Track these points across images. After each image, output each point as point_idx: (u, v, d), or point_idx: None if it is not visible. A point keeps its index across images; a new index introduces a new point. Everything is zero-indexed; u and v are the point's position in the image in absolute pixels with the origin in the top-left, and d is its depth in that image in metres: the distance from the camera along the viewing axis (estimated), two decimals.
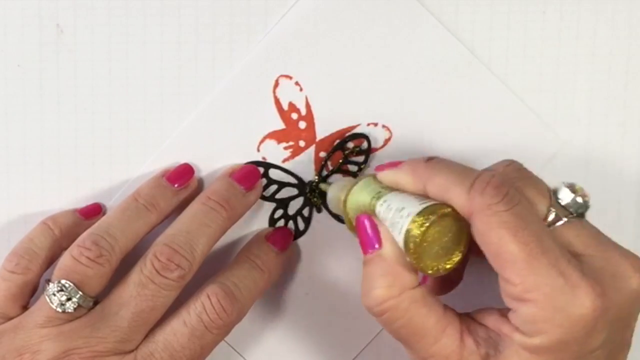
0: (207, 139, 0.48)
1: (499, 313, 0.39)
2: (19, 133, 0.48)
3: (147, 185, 0.46)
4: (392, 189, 0.41)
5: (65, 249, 0.44)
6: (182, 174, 0.47)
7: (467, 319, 0.40)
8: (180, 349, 0.43)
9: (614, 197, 0.49)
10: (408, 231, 0.38)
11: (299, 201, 0.48)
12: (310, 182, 0.48)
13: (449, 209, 0.38)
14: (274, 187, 0.48)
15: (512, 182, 0.39)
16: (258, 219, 0.48)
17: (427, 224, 0.38)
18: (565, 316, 0.36)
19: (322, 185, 0.48)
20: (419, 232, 0.38)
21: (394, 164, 0.42)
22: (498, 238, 0.36)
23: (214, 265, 0.46)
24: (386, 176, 0.42)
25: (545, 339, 0.36)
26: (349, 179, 0.47)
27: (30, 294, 0.45)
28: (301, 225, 0.49)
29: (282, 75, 0.47)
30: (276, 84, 0.48)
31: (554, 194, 0.40)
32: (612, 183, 0.48)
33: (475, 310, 0.40)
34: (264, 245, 0.47)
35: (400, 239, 0.39)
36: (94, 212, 0.47)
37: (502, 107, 0.48)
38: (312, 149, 0.48)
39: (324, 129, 0.48)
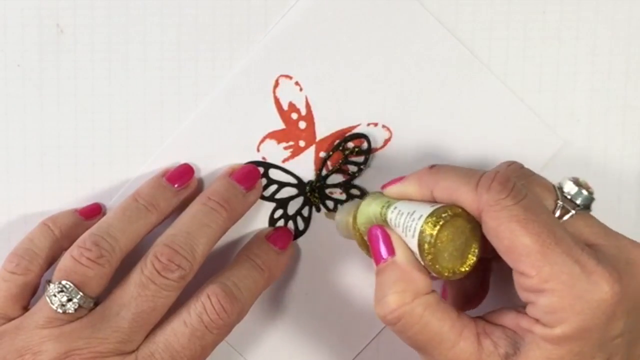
0: (207, 139, 0.48)
1: (515, 311, 0.39)
2: (19, 133, 0.47)
3: (147, 186, 0.46)
4: (400, 199, 0.41)
5: (66, 249, 0.44)
6: (182, 174, 0.47)
7: (482, 321, 0.39)
8: (181, 349, 0.43)
9: (614, 197, 0.49)
10: (422, 232, 0.38)
11: (299, 201, 0.48)
12: (310, 182, 0.48)
13: (460, 209, 0.38)
14: (273, 187, 0.48)
15: (517, 179, 0.39)
16: (258, 219, 0.48)
17: (441, 223, 0.38)
18: (585, 303, 0.36)
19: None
20: (432, 232, 0.38)
21: (398, 179, 0.42)
22: (509, 232, 0.36)
23: (214, 265, 0.46)
24: (392, 190, 0.42)
25: (567, 327, 0.36)
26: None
27: (30, 294, 0.45)
28: (301, 225, 0.49)
29: (282, 75, 0.47)
30: (276, 84, 0.48)
31: (559, 188, 0.40)
32: (612, 183, 0.48)
33: (488, 312, 0.40)
34: (264, 244, 0.47)
35: (414, 242, 0.39)
36: (94, 212, 0.47)
37: (502, 107, 0.48)
38: (312, 149, 0.48)
39: (324, 129, 0.48)
